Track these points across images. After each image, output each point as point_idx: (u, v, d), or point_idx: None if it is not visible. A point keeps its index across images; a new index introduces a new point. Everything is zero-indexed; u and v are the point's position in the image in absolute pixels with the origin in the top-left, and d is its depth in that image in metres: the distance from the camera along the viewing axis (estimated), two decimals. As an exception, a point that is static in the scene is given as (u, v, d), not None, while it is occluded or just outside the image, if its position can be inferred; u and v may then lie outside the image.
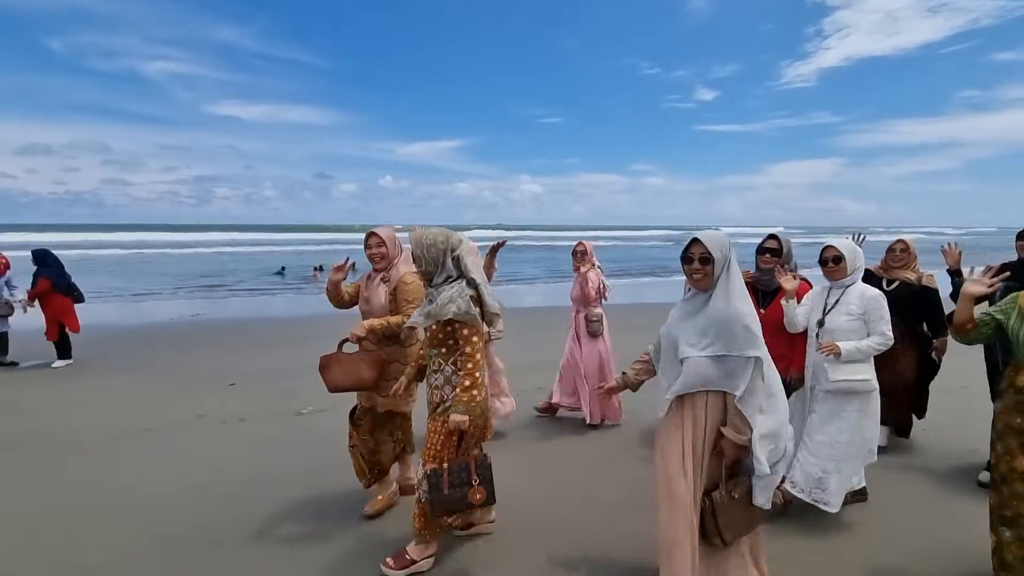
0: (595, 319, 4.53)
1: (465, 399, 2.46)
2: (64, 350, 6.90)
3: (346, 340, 2.94)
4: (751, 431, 2.08)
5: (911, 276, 3.75)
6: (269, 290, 15.98)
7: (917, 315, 3.75)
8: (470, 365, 2.48)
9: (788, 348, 3.14)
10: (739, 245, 3.64)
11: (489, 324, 2.59)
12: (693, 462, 2.16)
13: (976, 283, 2.41)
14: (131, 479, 3.72)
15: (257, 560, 2.77)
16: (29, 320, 6.89)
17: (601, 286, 4.55)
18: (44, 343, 6.87)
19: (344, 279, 3.12)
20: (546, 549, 2.84)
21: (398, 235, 3.20)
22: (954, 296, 3.02)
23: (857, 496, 3.16)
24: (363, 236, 3.12)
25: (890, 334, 2.92)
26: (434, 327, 2.55)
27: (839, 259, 2.97)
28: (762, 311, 3.18)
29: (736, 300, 2.11)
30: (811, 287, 3.26)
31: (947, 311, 2.87)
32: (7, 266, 6.75)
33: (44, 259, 6.82)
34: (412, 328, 2.89)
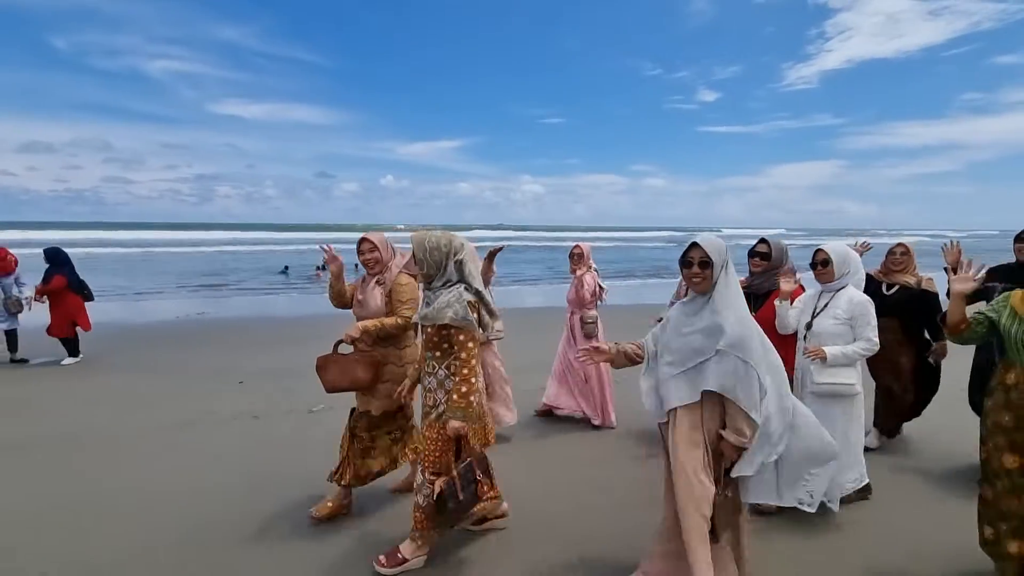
0: (590, 321, 4.57)
1: (462, 404, 2.45)
2: (73, 348, 6.98)
3: (341, 341, 2.96)
4: (751, 434, 2.10)
5: (911, 280, 3.77)
6: (273, 289, 16.01)
7: (916, 319, 3.77)
8: (466, 371, 2.47)
9: (780, 350, 3.19)
10: (741, 247, 3.67)
11: (484, 328, 2.59)
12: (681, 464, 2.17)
13: (962, 280, 2.43)
14: (146, 475, 3.77)
15: (264, 557, 2.80)
16: (37, 318, 6.94)
17: (597, 288, 4.59)
18: (50, 340, 6.90)
19: (340, 268, 3.12)
20: (545, 548, 2.86)
21: (398, 236, 3.22)
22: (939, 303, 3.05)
23: (861, 494, 3.20)
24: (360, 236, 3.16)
25: (876, 340, 2.95)
26: (429, 330, 2.55)
27: (827, 262, 3.02)
28: (753, 313, 3.24)
29: (732, 304, 2.14)
30: (803, 291, 3.31)
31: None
32: (16, 264, 6.81)
33: (57, 257, 6.90)
34: (409, 325, 2.95)
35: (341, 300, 3.16)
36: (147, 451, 4.20)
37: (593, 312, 4.61)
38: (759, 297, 3.30)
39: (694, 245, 2.18)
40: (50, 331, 6.84)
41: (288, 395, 5.47)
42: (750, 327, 2.13)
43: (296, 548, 2.88)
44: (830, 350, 2.89)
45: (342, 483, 3.10)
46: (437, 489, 2.49)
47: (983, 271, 2.53)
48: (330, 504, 3.13)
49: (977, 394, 3.58)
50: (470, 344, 2.48)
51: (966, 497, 3.29)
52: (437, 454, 2.55)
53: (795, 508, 3.07)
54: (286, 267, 21.73)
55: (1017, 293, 2.40)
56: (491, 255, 4.05)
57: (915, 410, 4.03)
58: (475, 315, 2.49)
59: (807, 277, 3.27)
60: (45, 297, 6.70)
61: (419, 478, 2.63)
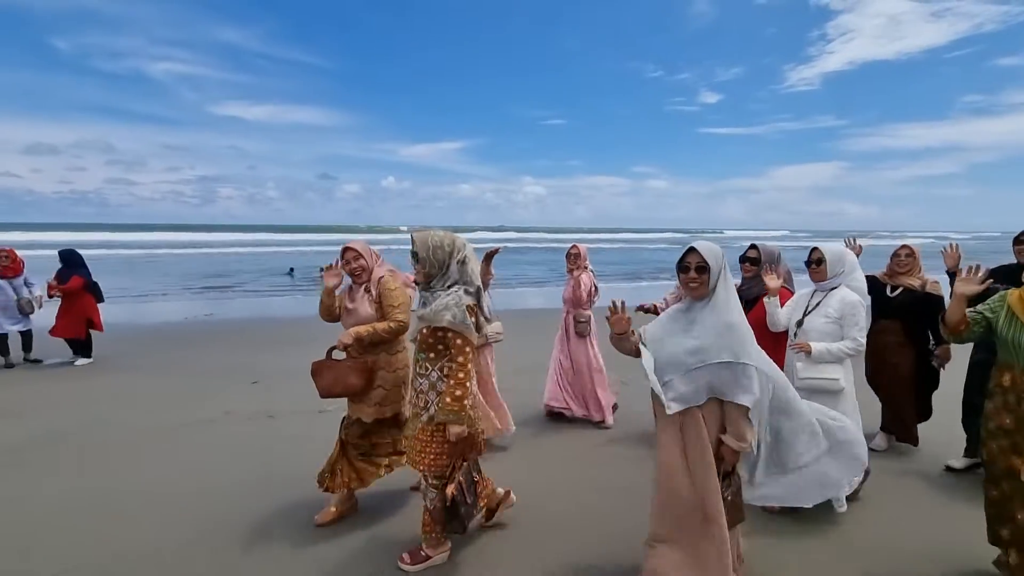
0: (583, 320, 4.63)
1: (454, 408, 2.43)
2: (86, 349, 7.05)
3: (334, 347, 2.96)
4: (751, 439, 2.12)
5: (915, 283, 3.78)
6: (280, 291, 16.05)
7: (920, 321, 3.76)
8: (461, 375, 2.44)
9: (772, 349, 3.23)
10: (742, 248, 3.71)
11: (478, 330, 2.58)
12: (690, 464, 2.19)
13: (966, 283, 2.44)
14: (167, 472, 3.82)
15: (278, 556, 2.83)
16: (49, 320, 6.98)
17: (592, 288, 4.63)
18: (55, 341, 6.96)
19: (339, 284, 3.07)
20: (546, 548, 2.87)
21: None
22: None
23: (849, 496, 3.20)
24: (364, 238, 3.17)
25: (862, 340, 2.98)
26: (424, 331, 2.54)
27: (820, 261, 3.08)
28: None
29: (731, 309, 2.16)
30: (791, 294, 3.36)
31: None
32: (23, 265, 6.89)
33: (72, 258, 7.00)
34: (402, 328, 2.96)
35: (332, 315, 3.12)
36: (168, 449, 4.26)
37: (587, 312, 4.65)
38: (749, 301, 3.35)
39: (691, 250, 2.20)
40: (59, 332, 6.89)
41: (301, 395, 5.47)
42: (747, 333, 2.15)
43: (309, 547, 2.90)
44: (815, 345, 2.94)
45: (332, 491, 3.11)
46: (449, 497, 2.51)
47: (988, 281, 2.53)
48: (333, 509, 3.14)
49: (974, 393, 3.57)
50: (467, 348, 2.46)
51: (966, 499, 3.31)
52: (432, 456, 2.54)
53: (799, 508, 3.11)
54: (292, 269, 21.79)
55: (1015, 293, 2.39)
56: (488, 257, 4.04)
57: (921, 411, 4.01)
58: (473, 319, 2.48)
59: (803, 279, 3.30)
60: (57, 294, 6.75)
61: (423, 482, 2.63)
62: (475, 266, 2.59)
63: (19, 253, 6.96)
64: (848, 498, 3.15)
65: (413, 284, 3.06)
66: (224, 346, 8.15)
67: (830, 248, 3.11)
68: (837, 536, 2.96)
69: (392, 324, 2.94)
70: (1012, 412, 2.35)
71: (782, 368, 3.23)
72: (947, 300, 3.64)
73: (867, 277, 3.97)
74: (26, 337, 6.93)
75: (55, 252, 7.33)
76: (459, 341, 2.45)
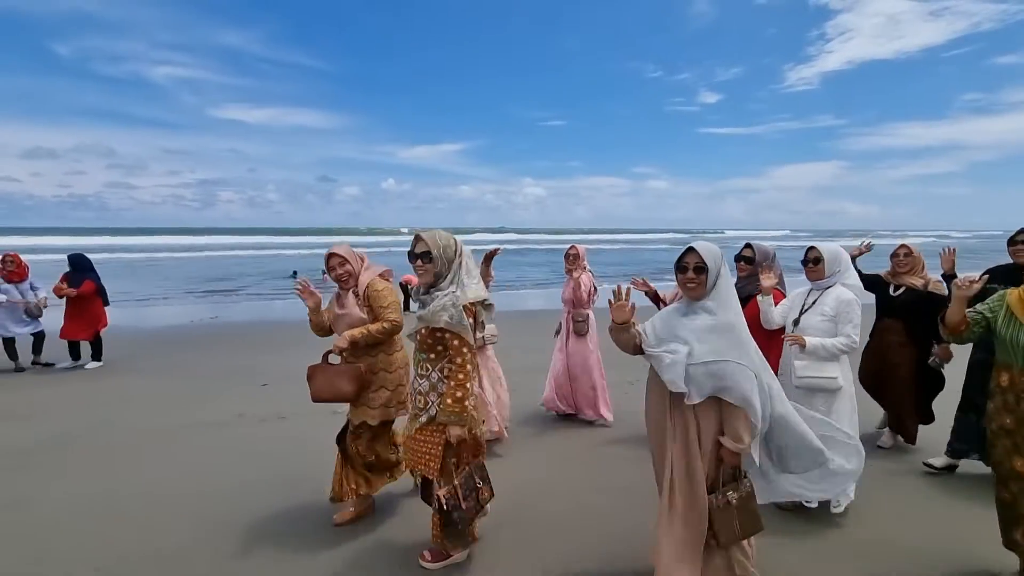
0: (581, 319, 4.68)
1: (456, 409, 2.42)
2: (97, 352, 7.13)
3: (330, 352, 2.95)
4: (748, 439, 2.11)
5: (917, 282, 3.78)
6: (283, 294, 16.09)
7: (923, 320, 3.74)
8: (461, 376, 2.43)
9: (765, 347, 3.28)
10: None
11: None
12: (688, 465, 2.19)
13: (966, 287, 2.44)
14: (183, 473, 3.86)
15: (293, 555, 2.85)
16: (55, 323, 7.01)
17: (592, 288, 4.68)
18: (75, 345, 7.01)
19: (318, 301, 3.06)
20: (544, 549, 2.88)
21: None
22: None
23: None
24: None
25: (855, 338, 3.00)
26: (424, 332, 2.52)
27: (818, 260, 3.10)
28: None
29: (730, 309, 2.16)
30: (783, 296, 3.39)
31: None
32: (28, 270, 6.95)
33: (82, 263, 7.06)
34: (396, 328, 2.95)
35: (323, 330, 3.12)
36: (180, 451, 4.29)
37: (586, 311, 4.70)
38: (743, 300, 3.41)
39: (690, 250, 2.19)
40: (70, 334, 6.93)
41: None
42: (746, 333, 2.15)
43: (322, 550, 2.91)
44: (810, 340, 2.97)
45: (342, 499, 3.10)
46: (440, 500, 2.50)
47: (984, 279, 2.53)
48: (352, 509, 3.16)
49: (974, 392, 3.57)
50: (465, 349, 2.45)
51: (967, 499, 3.32)
52: (430, 458, 2.53)
53: (804, 509, 3.13)
54: (295, 272, 21.81)
55: (1014, 293, 2.39)
56: (488, 258, 4.03)
57: (922, 415, 3.99)
58: (471, 319, 2.47)
59: (798, 279, 3.32)
60: (70, 294, 6.77)
61: (436, 486, 2.60)
62: (474, 265, 2.60)
63: (22, 258, 7.02)
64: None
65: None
66: (231, 349, 8.20)
67: (827, 247, 3.14)
68: (838, 535, 2.95)
69: (385, 324, 2.92)
70: (1012, 412, 2.35)
71: (777, 367, 3.26)
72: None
73: (871, 276, 3.99)
74: (36, 340, 6.99)
75: (55, 256, 7.40)
76: (456, 342, 2.44)
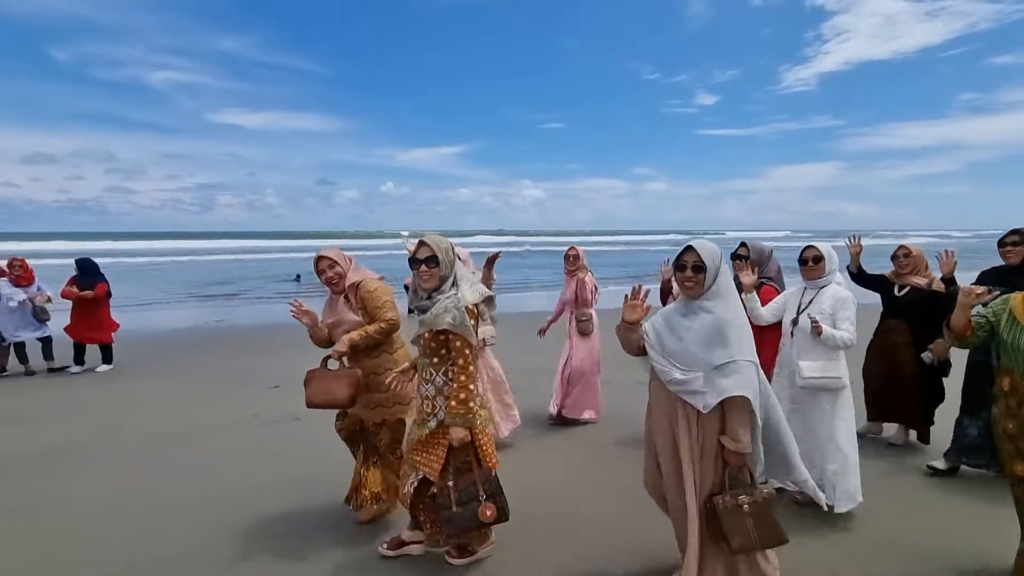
0: (584, 319, 4.73)
1: (461, 411, 2.42)
2: (107, 355, 7.19)
3: (329, 357, 2.94)
4: (748, 439, 2.10)
5: (921, 282, 3.81)
6: (287, 296, 16.15)
7: (927, 319, 3.75)
8: (464, 377, 2.43)
9: (757, 344, 3.33)
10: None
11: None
12: (689, 466, 2.19)
13: (968, 295, 2.44)
14: (196, 476, 3.88)
15: (310, 554, 2.88)
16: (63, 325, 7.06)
17: (594, 288, 4.74)
18: (81, 349, 7.05)
19: (315, 319, 3.04)
20: (545, 550, 2.87)
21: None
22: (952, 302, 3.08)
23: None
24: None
25: (854, 332, 3.04)
26: (427, 336, 2.51)
27: (819, 259, 3.13)
28: None
29: (728, 307, 2.15)
30: (778, 293, 3.43)
31: None
32: (34, 274, 7.02)
33: (91, 267, 7.10)
34: (394, 327, 2.94)
35: (325, 342, 3.09)
36: (205, 449, 4.34)
37: (589, 311, 4.75)
38: None
39: (688, 249, 2.18)
40: (84, 337, 6.98)
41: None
42: (745, 330, 2.16)
43: (340, 548, 2.92)
44: (826, 328, 2.99)
45: (358, 507, 3.09)
46: (436, 494, 2.51)
47: (994, 293, 2.52)
48: (374, 507, 3.14)
49: (971, 391, 3.58)
50: (467, 350, 2.44)
51: (968, 499, 3.31)
52: (443, 459, 2.53)
53: (792, 508, 3.15)
54: (298, 275, 21.80)
55: (1018, 296, 2.37)
56: (490, 262, 4.04)
57: (923, 414, 3.99)
58: (473, 321, 2.47)
59: (798, 279, 3.34)
60: (88, 295, 6.81)
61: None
62: (465, 270, 2.60)
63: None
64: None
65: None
66: (238, 352, 8.22)
67: (824, 247, 3.17)
68: (839, 535, 2.95)
69: (383, 324, 2.90)
70: (1014, 416, 2.34)
71: (771, 363, 3.32)
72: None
73: (876, 276, 4.04)
74: (46, 344, 7.03)
75: (56, 261, 7.45)
76: (459, 343, 2.44)
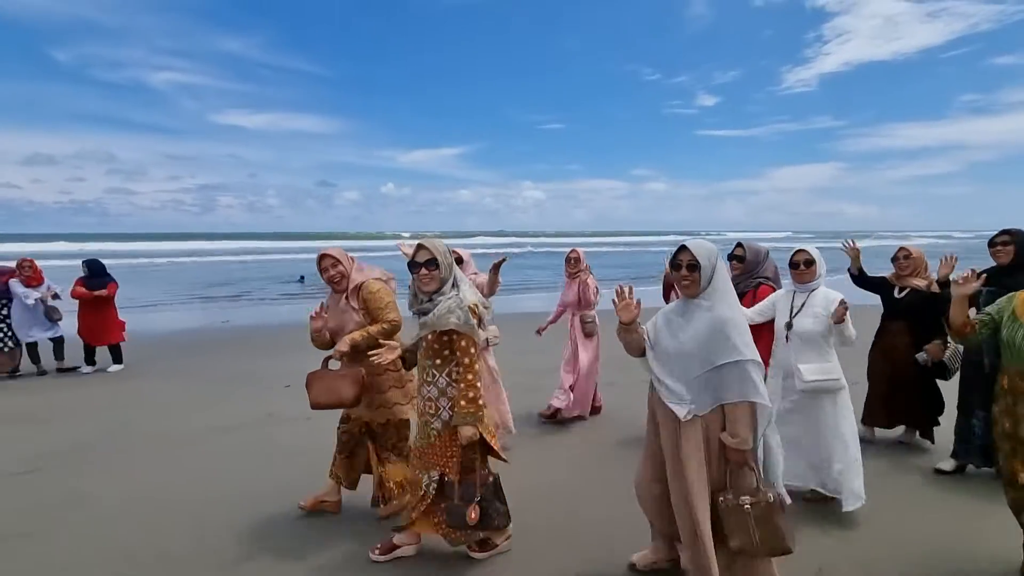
0: (590, 320, 4.81)
1: (471, 410, 2.43)
2: (117, 355, 7.26)
3: (330, 358, 2.94)
4: (747, 434, 2.10)
5: (920, 283, 3.83)
6: (292, 298, 16.14)
7: (927, 321, 3.77)
8: (470, 376, 2.44)
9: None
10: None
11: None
12: (693, 466, 2.17)
13: (964, 283, 2.48)
14: (204, 475, 3.90)
15: (323, 553, 2.90)
16: (74, 327, 7.11)
17: (596, 290, 4.81)
18: (91, 350, 7.11)
19: (324, 325, 3.02)
20: (545, 551, 2.87)
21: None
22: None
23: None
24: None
25: (853, 332, 3.07)
26: (430, 337, 2.50)
27: (811, 263, 3.12)
28: None
29: (725, 304, 2.16)
30: (772, 291, 3.44)
31: None
32: (43, 274, 7.09)
33: (97, 267, 7.18)
34: (396, 328, 2.94)
35: (326, 344, 3.09)
36: (221, 448, 4.38)
37: (592, 312, 4.82)
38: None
39: (682, 248, 2.19)
40: (97, 339, 7.05)
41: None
42: (744, 328, 2.17)
43: (339, 547, 2.94)
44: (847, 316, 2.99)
45: (386, 501, 3.09)
46: (448, 481, 2.53)
47: (982, 278, 2.57)
48: (394, 502, 3.14)
49: (969, 391, 3.60)
50: (472, 350, 2.45)
51: (969, 499, 3.32)
52: (450, 458, 2.54)
53: (824, 501, 3.16)
54: (302, 276, 21.83)
55: (1021, 295, 2.39)
56: (496, 267, 4.07)
57: (926, 415, 4.01)
58: (476, 320, 2.48)
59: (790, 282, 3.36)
60: (103, 294, 6.89)
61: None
62: (466, 269, 2.64)
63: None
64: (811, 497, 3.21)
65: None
66: (247, 352, 8.25)
67: (816, 250, 3.16)
68: (839, 534, 2.96)
69: (385, 325, 2.90)
70: (1011, 415, 2.35)
71: (765, 367, 3.37)
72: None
73: (877, 279, 4.08)
74: (57, 345, 7.10)
75: (59, 262, 7.50)
76: (464, 343, 2.44)
